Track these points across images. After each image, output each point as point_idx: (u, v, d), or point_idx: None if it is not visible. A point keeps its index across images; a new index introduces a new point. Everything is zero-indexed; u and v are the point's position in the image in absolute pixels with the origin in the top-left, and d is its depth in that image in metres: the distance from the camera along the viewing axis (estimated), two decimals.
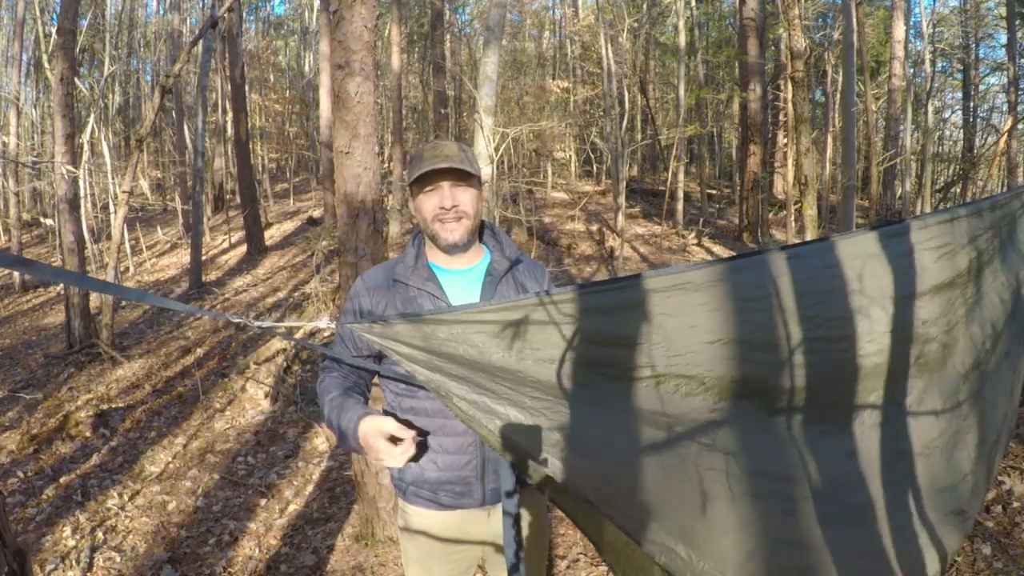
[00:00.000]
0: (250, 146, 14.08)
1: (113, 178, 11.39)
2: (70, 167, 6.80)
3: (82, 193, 8.25)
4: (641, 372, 1.24)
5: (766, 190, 11.94)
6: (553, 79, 18.27)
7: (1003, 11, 14.14)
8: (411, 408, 1.48)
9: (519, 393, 1.22)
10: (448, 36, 16.46)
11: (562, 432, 1.25)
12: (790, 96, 8.63)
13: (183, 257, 12.39)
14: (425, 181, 1.46)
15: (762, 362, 1.32)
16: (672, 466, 1.30)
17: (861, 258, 1.40)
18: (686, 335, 1.25)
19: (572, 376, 1.21)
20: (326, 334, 6.91)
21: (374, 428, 1.31)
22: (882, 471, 1.45)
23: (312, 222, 14.18)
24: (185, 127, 17.09)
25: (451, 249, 1.49)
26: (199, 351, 6.90)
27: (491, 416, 1.24)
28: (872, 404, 1.44)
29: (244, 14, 17.58)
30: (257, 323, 1.28)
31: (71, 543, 3.47)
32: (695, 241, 11.40)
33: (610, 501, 1.31)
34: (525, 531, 1.56)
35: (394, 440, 1.31)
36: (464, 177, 1.47)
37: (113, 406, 5.52)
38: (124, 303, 8.94)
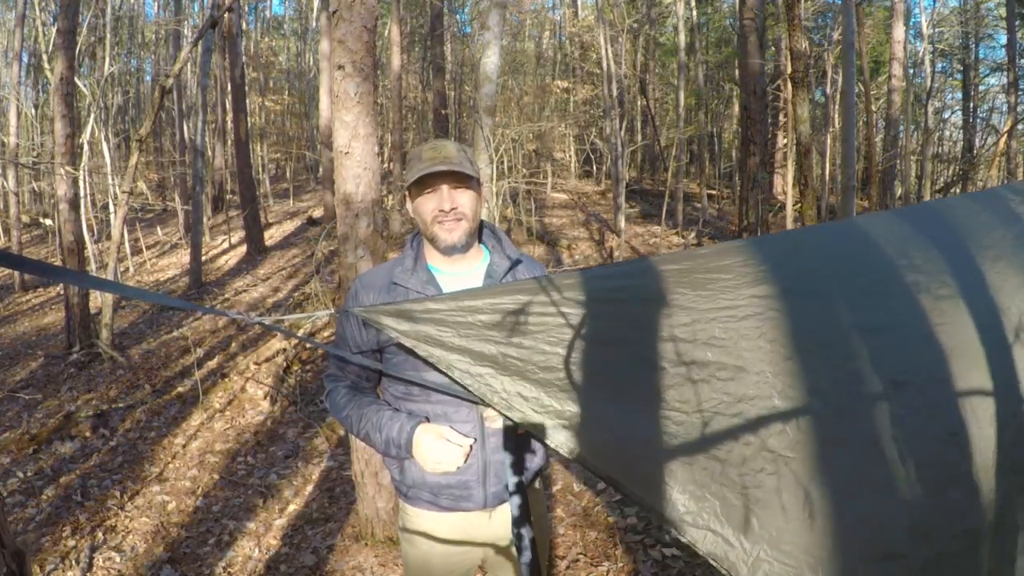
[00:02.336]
0: (250, 146, 14.08)
1: (113, 178, 11.38)
2: (70, 167, 6.79)
3: (82, 193, 8.25)
4: (663, 348, 1.10)
5: (766, 190, 11.93)
6: (553, 79, 18.27)
7: (1003, 11, 14.15)
8: (411, 412, 1.47)
9: (523, 377, 1.18)
10: (448, 36, 16.45)
11: (574, 415, 1.16)
12: (790, 96, 8.62)
13: (183, 257, 12.37)
14: (424, 183, 1.46)
15: (822, 320, 1.11)
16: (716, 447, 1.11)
17: (898, 238, 1.23)
18: (717, 293, 1.10)
19: (581, 362, 1.14)
20: (326, 334, 6.91)
21: (434, 433, 1.40)
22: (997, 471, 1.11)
23: (312, 222, 14.17)
24: (185, 127, 17.08)
25: (451, 251, 1.49)
26: (199, 351, 6.89)
27: (494, 390, 1.19)
28: (979, 389, 1.15)
29: (244, 14, 17.60)
30: (258, 319, 1.29)
31: (71, 543, 3.47)
32: (695, 241, 11.41)
33: (634, 479, 1.13)
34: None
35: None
36: (463, 179, 1.46)
37: (113, 406, 5.52)
38: (124, 303, 8.93)
